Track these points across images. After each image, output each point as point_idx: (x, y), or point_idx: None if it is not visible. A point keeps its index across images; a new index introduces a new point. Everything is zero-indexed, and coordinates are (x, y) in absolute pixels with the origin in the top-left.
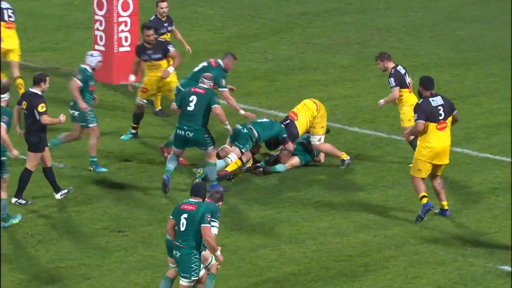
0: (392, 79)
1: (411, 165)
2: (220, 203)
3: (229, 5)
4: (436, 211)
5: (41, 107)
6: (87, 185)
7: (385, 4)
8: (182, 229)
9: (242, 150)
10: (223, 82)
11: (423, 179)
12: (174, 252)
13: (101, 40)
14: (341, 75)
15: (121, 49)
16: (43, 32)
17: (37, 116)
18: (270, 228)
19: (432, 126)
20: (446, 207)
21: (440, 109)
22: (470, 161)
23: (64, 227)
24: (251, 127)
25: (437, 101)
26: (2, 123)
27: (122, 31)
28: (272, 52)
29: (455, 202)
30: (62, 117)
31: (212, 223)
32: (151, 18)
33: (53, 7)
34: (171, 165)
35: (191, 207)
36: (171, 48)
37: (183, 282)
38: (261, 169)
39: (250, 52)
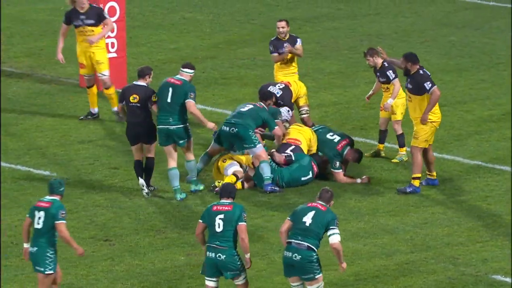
0: (390, 71)
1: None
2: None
3: (218, 10)
4: (423, 182)
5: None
6: (73, 193)
7: (375, 9)
8: (219, 230)
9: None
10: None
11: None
12: (215, 255)
13: None
14: (330, 81)
15: (108, 55)
16: (29, 37)
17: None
18: (259, 236)
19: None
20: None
21: None
22: (461, 169)
23: None
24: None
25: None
26: (190, 99)
27: (109, 37)
28: (261, 58)
29: (447, 209)
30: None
31: (336, 230)
32: (272, 39)
33: (40, 12)
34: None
35: (227, 208)
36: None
37: (238, 282)
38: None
39: (239, 58)
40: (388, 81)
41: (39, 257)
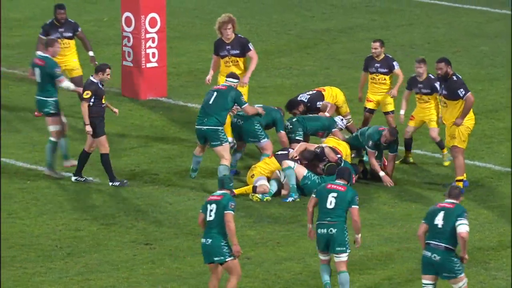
0: (394, 62)
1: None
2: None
3: (256, 21)
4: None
5: (86, 94)
6: (114, 198)
7: (408, 20)
8: (331, 207)
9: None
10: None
11: None
12: (327, 231)
13: (129, 56)
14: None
15: (148, 65)
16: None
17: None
18: (294, 241)
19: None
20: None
21: None
22: (493, 175)
23: (92, 240)
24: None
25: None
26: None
27: (150, 47)
28: (297, 67)
29: (478, 215)
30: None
31: (464, 221)
32: (366, 56)
33: (84, 24)
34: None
35: (341, 188)
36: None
37: (339, 258)
38: None
39: (275, 68)
40: (432, 93)
41: (214, 248)
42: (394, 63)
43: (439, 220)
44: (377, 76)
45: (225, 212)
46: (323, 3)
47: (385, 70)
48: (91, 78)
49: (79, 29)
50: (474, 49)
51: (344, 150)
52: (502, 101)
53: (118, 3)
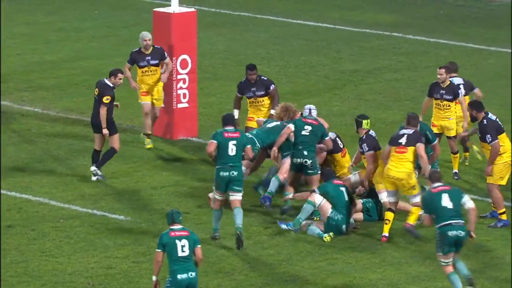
0: (460, 90)
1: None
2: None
3: (285, 63)
4: (488, 215)
5: (106, 99)
6: (146, 236)
7: (435, 62)
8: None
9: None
10: None
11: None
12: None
13: None
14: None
15: (179, 105)
16: None
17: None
18: (323, 279)
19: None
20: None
21: (498, 120)
22: None
23: (124, 278)
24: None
25: (492, 115)
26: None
27: (181, 88)
28: (325, 108)
29: (505, 254)
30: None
31: (468, 197)
32: (432, 82)
33: (116, 65)
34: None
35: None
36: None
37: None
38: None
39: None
40: (454, 99)
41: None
42: (460, 90)
43: (447, 202)
44: (441, 102)
45: (199, 246)
46: (351, 45)
47: (450, 97)
48: (107, 82)
49: (166, 56)
50: (500, 91)
51: None
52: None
53: None
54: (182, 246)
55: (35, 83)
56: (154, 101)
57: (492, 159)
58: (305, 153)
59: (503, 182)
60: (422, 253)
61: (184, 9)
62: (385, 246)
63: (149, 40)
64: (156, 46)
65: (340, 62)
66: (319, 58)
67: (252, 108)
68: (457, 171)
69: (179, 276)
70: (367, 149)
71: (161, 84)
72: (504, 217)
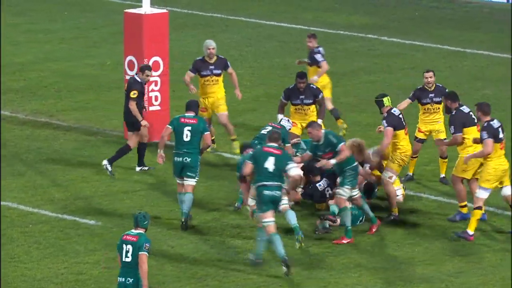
0: (446, 89)
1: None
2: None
3: (258, 64)
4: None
5: (133, 94)
6: (116, 241)
7: (410, 63)
8: (187, 139)
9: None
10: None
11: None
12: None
13: None
14: (367, 133)
15: (151, 108)
16: (76, 91)
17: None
18: (297, 284)
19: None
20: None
21: (471, 114)
22: (496, 219)
23: (95, 284)
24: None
25: (466, 107)
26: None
27: (153, 90)
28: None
29: (481, 259)
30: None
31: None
32: (418, 87)
33: (86, 67)
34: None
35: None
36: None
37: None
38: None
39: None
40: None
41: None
42: (447, 90)
43: (269, 164)
44: (432, 106)
45: (140, 253)
46: (325, 47)
47: (439, 99)
48: (136, 77)
49: (229, 65)
50: (476, 93)
51: None
52: (507, 145)
53: (121, 47)
54: (126, 252)
55: (4, 86)
56: (215, 110)
57: (447, 145)
58: None
59: (467, 175)
60: (398, 258)
61: (156, 10)
62: (361, 250)
63: (213, 49)
64: (220, 56)
65: None
66: (292, 60)
67: (297, 114)
68: (444, 176)
69: (119, 279)
70: (386, 125)
71: (221, 94)
72: (464, 210)
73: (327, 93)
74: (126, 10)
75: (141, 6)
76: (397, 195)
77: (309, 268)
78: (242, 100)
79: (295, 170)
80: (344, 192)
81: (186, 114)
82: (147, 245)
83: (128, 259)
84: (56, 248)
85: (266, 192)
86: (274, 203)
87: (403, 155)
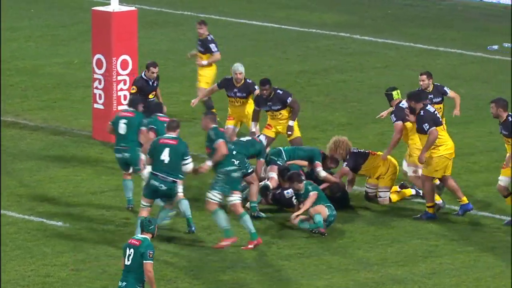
0: (444, 88)
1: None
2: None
3: (228, 63)
4: (459, 212)
5: (132, 89)
6: (85, 243)
7: (383, 62)
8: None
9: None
10: None
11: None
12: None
13: (100, 98)
14: (339, 133)
15: (120, 107)
16: (43, 90)
17: None
18: (269, 286)
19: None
20: (467, 201)
21: (437, 113)
22: (469, 219)
23: (62, 286)
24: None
25: (431, 107)
26: None
27: (121, 89)
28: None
29: (454, 260)
30: None
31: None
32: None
33: (53, 66)
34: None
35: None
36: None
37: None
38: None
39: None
40: (442, 100)
41: None
42: (445, 89)
43: (165, 156)
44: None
45: (144, 262)
46: (298, 45)
47: (439, 99)
48: (142, 75)
49: (256, 89)
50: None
51: None
52: (478, 144)
53: (89, 45)
54: (129, 255)
55: None
56: (244, 121)
57: (428, 145)
58: None
59: (438, 175)
60: (370, 259)
61: (125, 8)
62: (333, 252)
63: (240, 74)
64: (248, 80)
65: (286, 63)
66: (264, 58)
67: (272, 120)
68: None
69: (119, 283)
70: (394, 119)
71: (248, 111)
72: (431, 210)
73: (205, 85)
74: (94, 8)
75: (109, 4)
76: (385, 197)
77: (280, 270)
78: (212, 98)
79: (190, 166)
80: (214, 196)
81: (125, 108)
82: (151, 252)
83: (128, 263)
84: (23, 250)
85: (153, 182)
86: (156, 193)
87: (416, 146)
